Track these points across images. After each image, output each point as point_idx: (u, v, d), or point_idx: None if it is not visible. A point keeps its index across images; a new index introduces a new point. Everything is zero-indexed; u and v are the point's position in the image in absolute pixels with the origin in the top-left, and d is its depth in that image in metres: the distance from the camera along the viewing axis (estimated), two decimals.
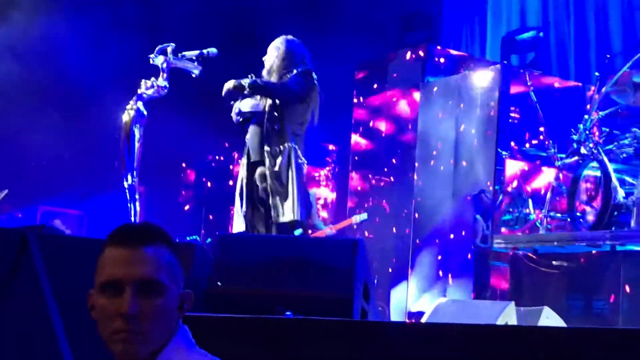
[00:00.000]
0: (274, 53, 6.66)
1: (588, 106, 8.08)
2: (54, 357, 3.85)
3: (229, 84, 6.50)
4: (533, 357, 3.29)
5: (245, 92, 6.50)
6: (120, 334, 2.08)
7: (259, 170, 6.51)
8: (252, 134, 6.59)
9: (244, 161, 6.68)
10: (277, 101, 6.48)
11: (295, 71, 6.57)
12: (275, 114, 6.50)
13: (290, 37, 6.73)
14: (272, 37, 6.77)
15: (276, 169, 6.43)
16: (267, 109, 6.53)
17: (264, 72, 6.69)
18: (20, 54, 9.29)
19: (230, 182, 11.01)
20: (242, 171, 6.67)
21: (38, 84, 9.51)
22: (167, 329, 2.15)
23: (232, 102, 6.65)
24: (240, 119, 6.67)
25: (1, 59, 9.19)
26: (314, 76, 6.62)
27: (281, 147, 6.48)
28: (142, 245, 2.13)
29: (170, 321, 2.15)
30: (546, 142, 8.82)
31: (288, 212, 6.39)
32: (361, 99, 10.03)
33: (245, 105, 6.61)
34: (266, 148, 6.47)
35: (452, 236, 8.46)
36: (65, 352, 3.86)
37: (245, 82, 6.46)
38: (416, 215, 8.83)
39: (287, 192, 6.43)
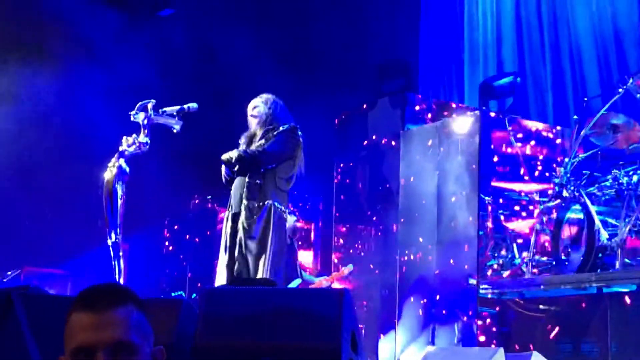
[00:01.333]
0: (253, 111, 6.71)
1: (568, 149, 8.16)
2: None
3: (224, 156, 6.57)
4: None
5: (235, 168, 6.52)
6: None
7: (238, 221, 6.51)
8: (235, 186, 6.61)
9: (227, 214, 6.68)
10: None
11: (281, 128, 6.60)
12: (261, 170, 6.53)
13: (271, 97, 6.78)
14: (252, 90, 6.82)
15: (252, 224, 6.41)
16: None
17: (252, 126, 6.73)
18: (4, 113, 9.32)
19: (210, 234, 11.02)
20: (225, 224, 6.66)
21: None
22: None
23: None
24: (229, 178, 6.68)
25: None
26: (299, 132, 6.67)
27: (261, 203, 6.48)
28: (110, 308, 2.10)
29: None
30: (527, 186, 8.89)
31: (258, 269, 6.36)
32: (341, 150, 10.08)
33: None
34: (244, 202, 6.46)
35: (438, 285, 8.46)
36: None
37: (234, 155, 6.49)
38: (401, 264, 8.83)
39: (261, 250, 6.40)
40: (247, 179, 6.50)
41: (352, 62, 10.95)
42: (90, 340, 2.07)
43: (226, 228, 6.61)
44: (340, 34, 11.06)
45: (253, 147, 6.61)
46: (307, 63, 11.01)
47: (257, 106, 6.73)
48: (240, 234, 6.42)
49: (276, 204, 6.51)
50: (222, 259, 6.58)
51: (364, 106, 9.91)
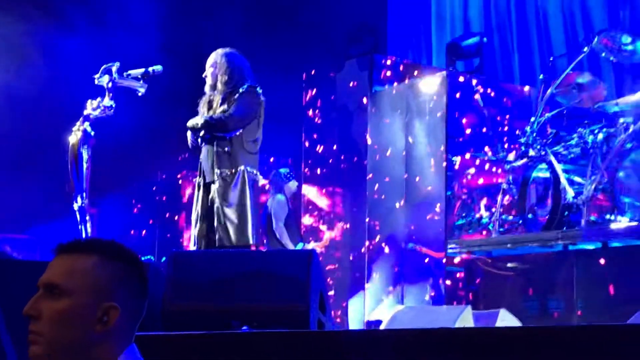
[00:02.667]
0: (214, 69, 6.58)
1: (534, 108, 8.18)
2: None
3: (189, 123, 6.48)
4: (491, 359, 3.30)
5: (201, 133, 6.45)
6: (29, 335, 2.19)
7: (212, 190, 6.45)
8: (204, 154, 6.53)
9: (199, 180, 6.61)
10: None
11: (241, 90, 6.50)
12: (227, 137, 6.46)
13: (228, 49, 6.65)
14: (205, 49, 6.71)
15: (228, 192, 6.37)
16: None
17: (207, 89, 6.62)
18: None
19: (184, 200, 10.96)
20: (197, 192, 6.59)
21: None
22: (72, 336, 2.17)
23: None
24: (195, 144, 6.61)
25: None
26: (259, 91, 6.58)
27: (233, 170, 6.42)
28: (65, 254, 2.22)
29: (76, 329, 2.17)
30: (495, 146, 8.91)
31: (240, 236, 6.33)
32: (310, 112, 10.03)
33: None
34: (216, 170, 6.40)
35: (407, 243, 8.49)
36: None
37: (200, 121, 6.42)
38: (370, 224, 8.85)
39: (242, 218, 6.36)
40: (215, 148, 6.42)
41: (320, 24, 10.86)
42: (41, 279, 2.21)
43: (199, 197, 6.55)
44: None
45: (218, 111, 6.52)
46: (275, 24, 10.91)
47: (217, 61, 6.58)
48: (217, 203, 6.36)
49: (248, 168, 6.46)
50: (197, 229, 6.50)
51: (332, 71, 9.87)
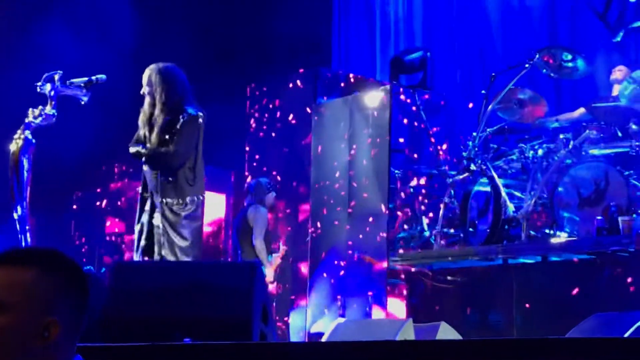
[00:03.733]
0: (150, 87, 6.37)
1: (476, 123, 8.26)
2: None
3: (132, 150, 6.39)
4: None
5: (144, 165, 6.37)
6: None
7: (156, 215, 6.32)
8: (149, 176, 6.40)
9: (144, 195, 6.41)
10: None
11: (181, 119, 6.35)
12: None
13: (161, 64, 6.43)
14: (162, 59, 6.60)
15: (176, 223, 6.26)
16: None
17: (146, 106, 6.39)
18: None
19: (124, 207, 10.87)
20: (141, 206, 6.42)
21: None
22: (12, 352, 2.11)
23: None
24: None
25: None
26: (200, 115, 6.43)
27: (180, 200, 6.31)
28: (3, 266, 2.14)
29: (16, 345, 2.12)
30: (437, 160, 8.99)
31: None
32: (254, 124, 10.04)
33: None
34: (162, 200, 6.25)
35: (350, 255, 8.52)
36: None
37: (143, 152, 6.31)
38: (313, 237, 8.86)
39: (192, 247, 6.26)
40: (159, 177, 6.31)
41: (267, 38, 10.87)
42: None
43: (143, 214, 6.41)
44: (255, 10, 10.97)
45: (154, 136, 6.34)
46: (222, 38, 10.89)
47: (151, 79, 6.38)
48: (167, 229, 6.22)
49: (195, 198, 6.35)
50: (143, 242, 6.37)
51: (277, 83, 9.90)
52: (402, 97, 9.15)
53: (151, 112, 6.42)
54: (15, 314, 2.12)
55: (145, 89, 6.41)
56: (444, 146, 9.24)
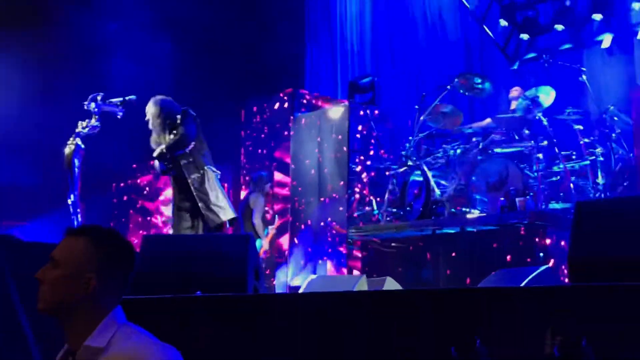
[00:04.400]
0: (149, 116, 6.39)
1: (411, 130, 8.28)
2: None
3: (155, 154, 6.32)
4: (380, 313, 3.35)
5: (168, 156, 6.30)
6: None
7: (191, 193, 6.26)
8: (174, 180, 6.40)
9: (172, 183, 6.46)
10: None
11: (179, 117, 6.33)
12: (187, 151, 6.35)
13: (158, 97, 6.43)
14: (170, 84, 6.53)
15: (202, 189, 6.25)
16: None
17: (153, 131, 6.40)
18: None
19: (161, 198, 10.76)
20: (174, 190, 6.45)
21: None
22: (63, 296, 2.18)
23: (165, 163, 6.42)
24: (163, 172, 6.46)
25: None
26: (192, 113, 6.41)
27: (201, 171, 6.32)
28: (68, 236, 2.26)
29: (65, 289, 2.19)
30: (383, 157, 9.01)
31: (222, 214, 6.22)
32: (246, 132, 10.04)
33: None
34: (189, 179, 6.27)
35: (321, 228, 8.52)
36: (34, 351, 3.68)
37: (162, 148, 6.26)
38: (293, 214, 8.87)
39: (216, 200, 6.25)
40: (182, 162, 6.27)
41: (254, 62, 10.77)
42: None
43: (174, 193, 6.38)
44: (245, 41, 10.84)
45: (168, 138, 6.29)
46: (220, 62, 10.70)
47: (151, 109, 6.39)
48: (197, 198, 6.22)
49: (209, 167, 6.34)
50: (182, 225, 6.28)
51: (265, 100, 9.89)
52: (361, 112, 9.19)
53: (157, 136, 6.39)
54: (64, 268, 2.19)
55: (148, 116, 6.40)
56: (388, 147, 9.26)
